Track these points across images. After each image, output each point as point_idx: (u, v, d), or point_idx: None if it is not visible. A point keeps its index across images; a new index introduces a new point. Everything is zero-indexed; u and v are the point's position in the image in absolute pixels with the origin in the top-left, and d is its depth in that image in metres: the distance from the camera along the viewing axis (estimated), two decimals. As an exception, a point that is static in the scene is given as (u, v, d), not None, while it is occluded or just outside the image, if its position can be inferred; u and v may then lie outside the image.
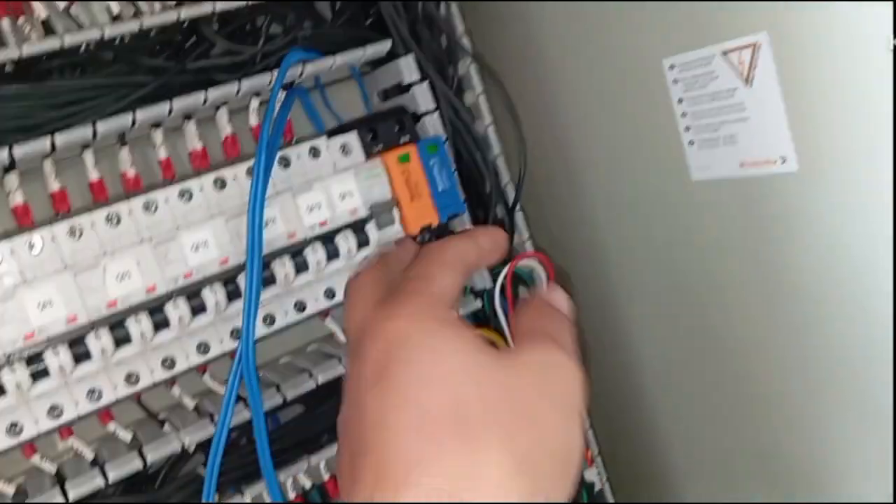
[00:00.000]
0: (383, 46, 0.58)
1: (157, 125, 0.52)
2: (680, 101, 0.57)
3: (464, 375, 0.29)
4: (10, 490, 0.49)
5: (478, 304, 0.62)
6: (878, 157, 0.46)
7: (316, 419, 0.58)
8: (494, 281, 0.62)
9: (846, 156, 0.48)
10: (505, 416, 0.28)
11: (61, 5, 0.49)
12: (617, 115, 0.63)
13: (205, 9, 0.51)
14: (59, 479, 0.50)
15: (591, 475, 0.68)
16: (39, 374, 0.45)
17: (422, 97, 0.59)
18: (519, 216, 0.64)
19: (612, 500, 0.70)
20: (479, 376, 0.29)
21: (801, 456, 0.60)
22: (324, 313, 0.57)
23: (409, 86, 0.59)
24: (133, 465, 0.50)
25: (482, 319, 0.64)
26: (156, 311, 0.48)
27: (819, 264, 0.53)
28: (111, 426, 0.51)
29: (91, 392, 0.49)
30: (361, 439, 0.29)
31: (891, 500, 0.52)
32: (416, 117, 0.60)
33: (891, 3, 0.42)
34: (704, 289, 0.62)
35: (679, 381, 0.69)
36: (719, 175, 0.57)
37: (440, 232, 0.60)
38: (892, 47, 0.43)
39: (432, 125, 0.59)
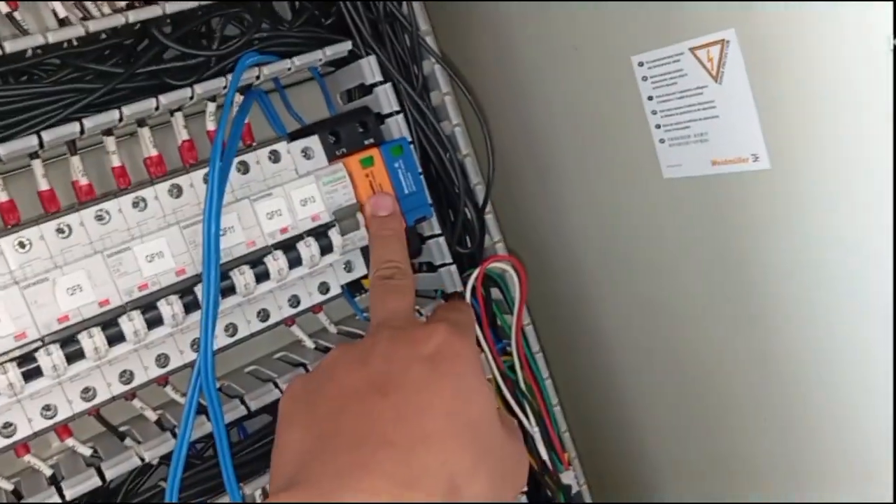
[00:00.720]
0: (343, 47, 0.56)
1: (108, 132, 0.50)
2: (650, 98, 0.56)
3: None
4: (-38, 511, 0.47)
5: (448, 307, 0.61)
6: (850, 152, 0.45)
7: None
8: (465, 284, 0.61)
9: (818, 152, 0.47)
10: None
11: (4, 9, 0.47)
12: (587, 113, 0.61)
13: (155, 11, 0.49)
14: (16, 498, 0.48)
15: (569, 478, 0.67)
16: (-12, 393, 0.44)
17: (385, 98, 0.57)
18: (489, 217, 0.63)
19: (589, 502, 0.69)
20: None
21: (785, 457, 0.59)
22: (289, 321, 0.56)
23: (372, 86, 0.57)
24: (92, 481, 0.49)
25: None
26: (110, 324, 0.47)
27: (792, 261, 0.52)
28: (69, 441, 0.50)
29: (45, 408, 0.47)
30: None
31: (891, 501, 0.51)
32: (381, 118, 0.58)
33: (890, 4, 0.40)
34: (678, 287, 0.61)
35: (654, 379, 0.68)
36: (691, 173, 0.56)
37: (406, 236, 0.58)
38: (892, 47, 0.41)
39: (397, 126, 0.58)
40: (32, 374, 0.45)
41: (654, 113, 0.56)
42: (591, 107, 0.61)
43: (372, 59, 0.57)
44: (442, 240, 0.60)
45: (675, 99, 0.54)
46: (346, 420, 0.33)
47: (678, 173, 0.57)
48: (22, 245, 0.46)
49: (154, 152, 0.51)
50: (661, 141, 0.57)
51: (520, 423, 0.63)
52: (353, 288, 0.62)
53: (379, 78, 0.57)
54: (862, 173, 0.45)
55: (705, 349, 0.61)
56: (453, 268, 0.60)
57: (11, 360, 0.44)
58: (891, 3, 0.40)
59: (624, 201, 0.62)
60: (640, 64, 0.55)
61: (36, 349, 0.45)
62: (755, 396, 0.59)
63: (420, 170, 0.58)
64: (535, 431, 0.64)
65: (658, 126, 0.56)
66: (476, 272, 0.61)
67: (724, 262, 0.56)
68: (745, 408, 0.60)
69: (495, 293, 0.64)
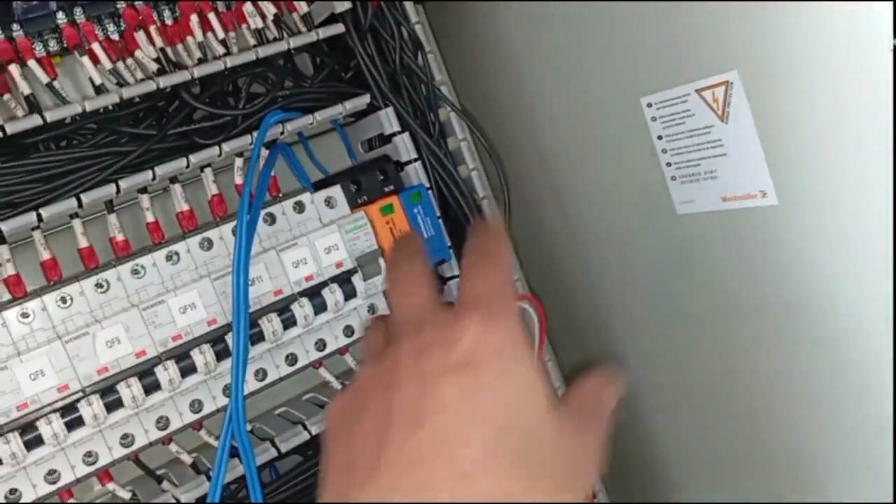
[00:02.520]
0: (362, 101, 0.59)
1: (143, 190, 0.53)
2: (660, 137, 0.58)
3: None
4: (11, 555, 0.50)
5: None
6: (856, 185, 0.46)
7: (313, 468, 0.58)
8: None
9: (825, 187, 0.48)
10: None
11: (44, 79, 0.50)
12: (601, 153, 0.63)
13: (185, 76, 0.52)
14: (61, 542, 0.51)
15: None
16: (34, 443, 0.46)
17: (403, 147, 0.60)
18: (508, 257, 0.65)
19: (606, 501, 0.70)
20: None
21: (797, 456, 0.59)
22: (316, 363, 0.58)
23: (391, 136, 0.60)
24: (133, 524, 0.51)
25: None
26: (146, 374, 0.49)
27: (804, 295, 0.53)
28: (110, 486, 0.53)
29: (87, 455, 0.50)
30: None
31: (891, 501, 0.52)
32: (400, 166, 0.61)
33: (890, 4, 0.41)
34: (695, 318, 0.62)
35: (671, 403, 0.69)
36: (703, 209, 0.57)
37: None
38: (892, 47, 0.42)
39: (416, 173, 0.60)
40: (75, 423, 0.47)
41: (665, 151, 0.58)
42: (604, 147, 0.62)
43: (390, 110, 0.59)
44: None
45: (684, 138, 0.56)
46: (385, 464, 0.29)
47: (691, 209, 0.58)
48: (64, 300, 0.49)
49: (186, 207, 0.54)
50: (673, 178, 0.58)
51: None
52: (378, 329, 0.64)
53: (397, 128, 0.60)
54: (868, 207, 0.46)
55: (717, 378, 0.62)
56: (474, 307, 0.62)
57: (55, 410, 0.47)
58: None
59: (640, 237, 0.63)
60: (649, 105, 0.57)
61: (77, 400, 0.48)
62: (769, 416, 0.59)
63: (438, 213, 0.60)
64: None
65: (669, 164, 0.58)
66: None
67: (739, 295, 0.57)
68: (756, 426, 0.61)
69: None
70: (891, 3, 0.42)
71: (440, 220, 0.60)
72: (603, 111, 0.61)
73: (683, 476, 0.71)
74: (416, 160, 0.60)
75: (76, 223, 0.52)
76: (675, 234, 0.60)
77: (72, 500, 0.51)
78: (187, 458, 0.55)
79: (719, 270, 0.58)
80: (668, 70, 0.55)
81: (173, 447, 0.54)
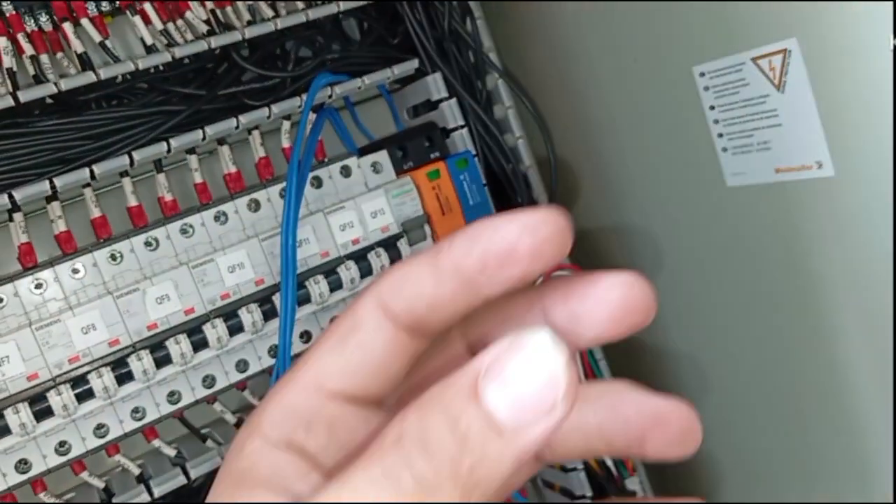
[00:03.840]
0: (410, 65, 0.58)
1: (191, 150, 0.53)
2: (712, 108, 0.57)
3: None
4: (60, 506, 0.51)
5: (512, 316, 0.62)
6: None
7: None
8: (528, 293, 0.62)
9: (883, 159, 0.47)
10: None
11: (97, 38, 0.50)
12: (649, 124, 0.62)
13: (235, 36, 0.52)
14: (108, 495, 0.52)
15: (634, 484, 0.67)
16: (85, 395, 0.47)
17: (450, 113, 0.59)
18: (552, 227, 0.64)
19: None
20: None
21: (837, 455, 0.59)
22: (359, 329, 0.58)
23: (438, 102, 0.60)
24: (177, 480, 0.52)
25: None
26: (194, 331, 0.50)
27: (858, 270, 0.52)
28: (156, 443, 0.53)
29: (135, 411, 0.50)
30: None
31: (891, 501, 0.51)
32: (446, 133, 0.60)
33: (891, 4, 0.41)
34: (742, 295, 0.61)
35: (718, 386, 0.68)
36: (754, 181, 0.56)
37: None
38: (892, 47, 0.42)
39: (462, 140, 0.60)
40: (124, 378, 0.48)
41: (717, 122, 0.57)
42: (652, 117, 0.61)
43: (437, 75, 0.59)
44: (506, 250, 0.61)
45: (738, 108, 0.55)
46: None
47: (742, 181, 0.57)
48: (114, 257, 0.49)
49: (234, 169, 0.54)
50: (724, 150, 0.57)
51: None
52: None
53: (444, 94, 0.59)
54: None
55: (768, 355, 0.61)
56: (518, 277, 0.62)
57: (106, 364, 0.48)
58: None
59: (688, 209, 0.62)
60: (702, 74, 0.56)
61: (128, 355, 0.48)
62: (819, 405, 0.58)
63: (484, 181, 0.60)
64: (599, 438, 0.64)
65: (720, 135, 0.57)
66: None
67: (790, 270, 0.56)
68: (808, 415, 0.60)
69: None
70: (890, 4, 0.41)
71: (486, 188, 0.60)
72: (653, 81, 0.60)
73: (733, 470, 0.71)
74: (462, 127, 0.60)
75: (126, 181, 0.52)
76: (725, 207, 0.59)
77: (118, 455, 0.52)
78: (231, 418, 0.56)
79: (771, 245, 0.57)
80: (723, 38, 0.53)
81: (218, 406, 0.55)
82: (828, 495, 0.61)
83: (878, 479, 0.56)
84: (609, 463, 0.65)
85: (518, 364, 0.16)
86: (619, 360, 0.72)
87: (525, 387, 0.16)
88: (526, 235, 0.17)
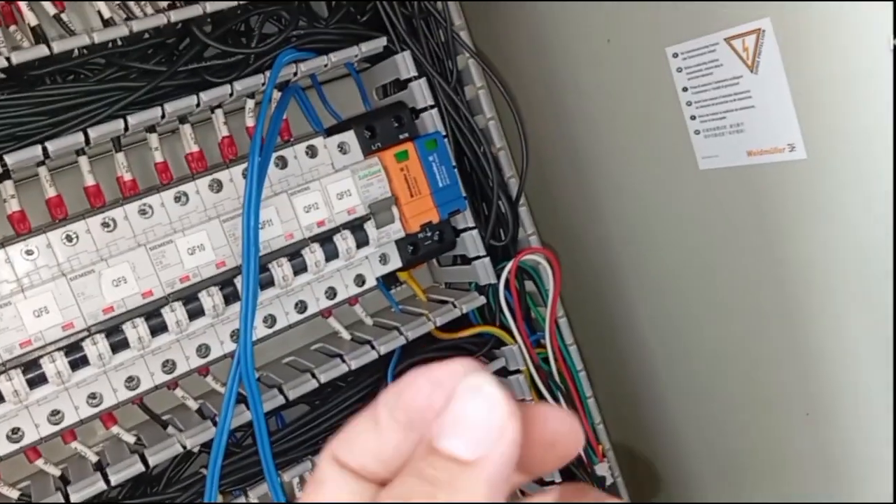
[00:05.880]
0: (378, 43, 0.57)
1: (152, 129, 0.52)
2: (685, 89, 0.56)
3: None
4: (13, 494, 0.49)
5: (482, 300, 0.62)
6: (887, 140, 0.44)
7: (320, 418, 0.58)
8: (498, 277, 0.61)
9: (855, 142, 0.47)
10: None
11: (52, 11, 0.48)
12: (621, 106, 0.61)
13: (196, 10, 0.51)
14: (63, 483, 0.50)
15: (603, 469, 0.67)
16: (37, 381, 0.46)
17: (420, 93, 0.58)
18: (523, 210, 0.63)
19: (625, 496, 0.69)
20: None
21: (814, 453, 0.58)
22: (326, 312, 0.57)
23: (407, 81, 0.58)
24: (136, 467, 0.50)
25: (488, 317, 0.64)
26: (153, 315, 0.48)
27: (829, 252, 0.51)
28: (114, 429, 0.52)
29: (91, 397, 0.49)
30: None
31: (891, 501, 0.51)
32: (416, 113, 0.59)
33: (891, 4, 0.40)
34: (714, 279, 0.61)
35: (688, 371, 0.68)
36: (726, 164, 0.56)
37: (440, 228, 0.59)
38: (892, 47, 0.41)
39: (432, 121, 0.58)
40: (79, 363, 0.47)
41: (689, 104, 0.56)
42: (625, 99, 0.61)
43: (407, 54, 0.58)
44: (476, 232, 0.60)
45: (711, 89, 0.54)
46: None
47: (714, 164, 0.56)
48: (69, 238, 0.48)
49: (195, 148, 0.53)
50: (697, 132, 0.56)
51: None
52: (389, 280, 0.63)
53: (414, 73, 0.58)
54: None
55: (739, 341, 0.61)
56: (487, 260, 0.61)
57: (59, 349, 0.46)
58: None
59: (659, 193, 0.62)
60: (675, 55, 0.55)
61: (83, 339, 0.47)
62: (789, 391, 0.58)
63: (454, 163, 0.59)
64: (569, 424, 0.64)
65: (693, 117, 0.56)
66: (510, 265, 0.61)
67: (760, 253, 0.56)
68: (777, 402, 0.60)
69: (529, 286, 0.65)
70: (890, 4, 0.40)
71: (455, 170, 0.58)
72: (626, 62, 0.59)
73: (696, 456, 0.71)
74: (432, 107, 0.58)
75: (83, 160, 0.50)
76: (697, 190, 0.58)
77: (75, 443, 0.50)
78: (193, 404, 0.54)
79: (743, 228, 0.56)
80: (696, 18, 0.53)
81: (179, 392, 0.54)
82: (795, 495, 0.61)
83: (875, 474, 0.56)
84: (579, 449, 0.64)
85: (461, 408, 0.18)
86: (588, 346, 0.71)
87: (473, 423, 0.18)
88: (439, 391, 0.18)
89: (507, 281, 0.61)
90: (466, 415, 0.18)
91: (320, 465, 0.20)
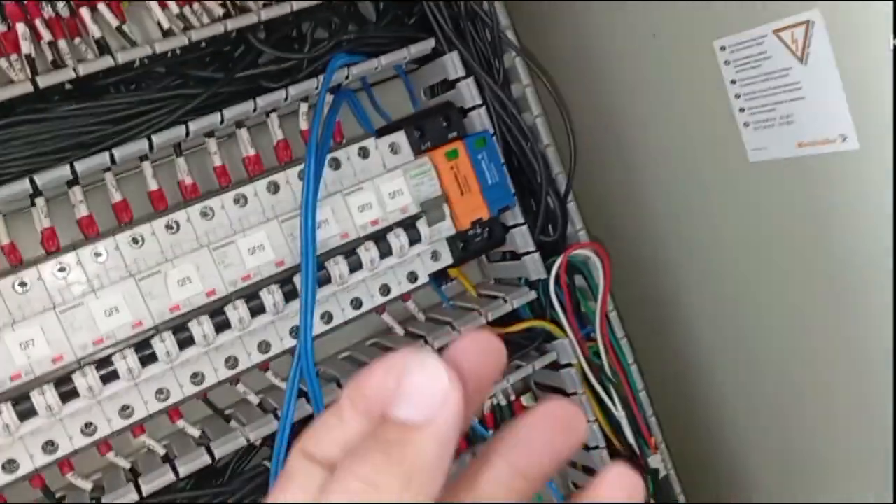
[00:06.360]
0: (427, 45, 0.58)
1: (210, 134, 0.53)
2: (733, 82, 0.56)
3: None
4: (87, 486, 0.51)
5: (532, 295, 0.62)
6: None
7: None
8: (549, 271, 0.62)
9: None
10: None
11: (114, 22, 0.51)
12: (668, 100, 0.62)
13: (251, 19, 0.52)
14: (134, 475, 0.52)
15: (656, 462, 0.67)
16: (109, 377, 0.48)
17: (468, 92, 0.59)
18: (571, 206, 0.64)
19: (678, 489, 0.70)
20: None
21: (866, 449, 0.58)
22: (380, 308, 0.58)
23: (455, 82, 0.59)
24: (202, 459, 0.52)
25: (538, 311, 0.64)
26: (216, 313, 0.50)
27: (881, 243, 0.51)
28: (180, 423, 0.54)
29: (159, 392, 0.51)
30: None
31: (891, 501, 0.50)
32: (464, 112, 0.60)
33: (891, 3, 0.40)
34: (764, 271, 0.61)
35: (739, 364, 0.67)
36: (777, 156, 0.55)
37: (490, 225, 0.60)
38: (892, 47, 0.41)
39: (480, 119, 0.59)
40: (148, 359, 0.49)
41: (738, 97, 0.56)
42: (672, 93, 0.61)
43: (455, 55, 0.59)
44: (525, 228, 0.61)
45: (760, 82, 0.54)
46: None
47: (764, 156, 0.56)
48: (135, 241, 0.50)
49: (252, 152, 0.54)
50: (746, 124, 0.56)
51: (606, 407, 0.64)
52: (440, 277, 0.64)
53: (461, 73, 0.59)
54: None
55: (790, 334, 0.60)
56: (537, 255, 0.62)
57: (130, 346, 0.48)
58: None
59: (708, 186, 0.62)
60: (722, 48, 0.55)
61: (151, 336, 0.49)
62: (842, 388, 0.58)
63: (503, 161, 0.59)
64: (621, 416, 0.64)
65: (742, 109, 0.56)
66: (560, 259, 0.62)
67: (813, 245, 0.56)
68: (829, 397, 0.59)
69: (579, 280, 0.65)
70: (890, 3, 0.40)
71: (504, 167, 0.59)
72: (673, 56, 0.59)
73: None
74: (480, 106, 0.59)
75: (146, 165, 0.52)
76: (747, 182, 0.58)
77: (143, 436, 0.52)
78: (254, 399, 0.56)
79: (794, 221, 0.56)
80: (744, 11, 0.53)
81: (241, 387, 0.55)
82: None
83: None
84: (631, 440, 0.65)
85: (408, 381, 0.20)
86: (641, 340, 0.72)
87: (420, 392, 0.20)
88: (390, 375, 0.20)
89: (557, 276, 0.62)
90: (413, 385, 0.20)
91: (289, 460, 0.21)
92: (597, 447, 0.65)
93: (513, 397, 0.68)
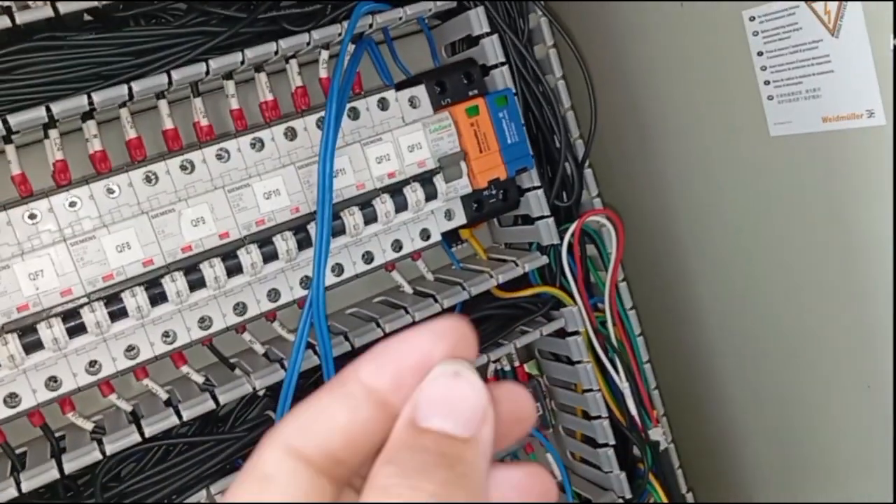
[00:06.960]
0: (453, -3, 0.57)
1: (229, 76, 0.52)
2: (760, 54, 0.55)
3: None
4: (88, 426, 0.51)
5: (544, 259, 0.62)
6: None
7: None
8: (561, 238, 0.62)
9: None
10: None
11: (138, -46, 0.49)
12: (692, 70, 0.61)
13: (277, -42, 0.51)
14: (135, 417, 0.52)
15: (657, 434, 0.67)
16: (118, 314, 0.47)
17: (491, 50, 0.58)
18: (588, 172, 0.63)
19: (677, 462, 0.70)
20: None
21: (878, 433, 0.58)
22: (389, 265, 0.57)
23: (479, 38, 0.58)
24: (206, 404, 0.52)
25: (548, 278, 0.64)
26: (229, 256, 0.49)
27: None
28: (184, 369, 0.53)
29: (165, 334, 0.50)
30: None
31: (891, 501, 0.50)
32: (485, 70, 0.59)
33: (891, 4, 0.39)
34: (780, 246, 0.60)
35: (749, 342, 0.67)
36: (799, 130, 0.55)
37: (506, 186, 0.59)
38: (892, 47, 0.41)
39: (502, 78, 0.59)
40: (157, 298, 0.48)
41: (764, 69, 0.55)
42: (696, 63, 0.60)
43: (480, 9, 0.58)
44: (541, 192, 0.61)
45: (788, 54, 0.54)
46: None
47: (786, 131, 0.56)
48: (149, 179, 0.49)
49: (270, 97, 0.53)
50: (770, 98, 0.56)
51: (610, 377, 0.64)
52: (450, 238, 0.63)
53: (486, 29, 0.58)
54: None
55: (805, 312, 0.60)
56: (551, 220, 0.61)
57: (140, 284, 0.47)
58: None
59: (727, 159, 0.61)
60: (752, 18, 0.55)
61: (162, 276, 0.48)
62: (855, 366, 0.58)
63: (523, 121, 0.59)
64: (624, 387, 0.64)
65: (767, 82, 0.56)
66: (574, 226, 0.61)
67: (831, 221, 0.55)
68: (841, 376, 0.59)
69: (590, 250, 0.65)
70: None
71: (524, 127, 0.58)
72: (700, 25, 0.58)
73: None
74: (503, 64, 0.58)
75: (162, 104, 0.51)
76: (766, 156, 0.58)
77: (146, 380, 0.52)
78: (259, 348, 0.56)
79: (813, 195, 0.56)
80: (777, -20, 0.52)
81: (247, 336, 0.55)
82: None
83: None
84: (633, 412, 0.64)
85: (445, 391, 0.18)
86: (648, 313, 0.71)
87: (461, 405, 0.18)
88: (440, 343, 0.18)
89: (570, 242, 0.61)
90: (452, 397, 0.18)
91: (264, 455, 0.17)
92: (599, 417, 0.64)
93: (517, 363, 0.68)
